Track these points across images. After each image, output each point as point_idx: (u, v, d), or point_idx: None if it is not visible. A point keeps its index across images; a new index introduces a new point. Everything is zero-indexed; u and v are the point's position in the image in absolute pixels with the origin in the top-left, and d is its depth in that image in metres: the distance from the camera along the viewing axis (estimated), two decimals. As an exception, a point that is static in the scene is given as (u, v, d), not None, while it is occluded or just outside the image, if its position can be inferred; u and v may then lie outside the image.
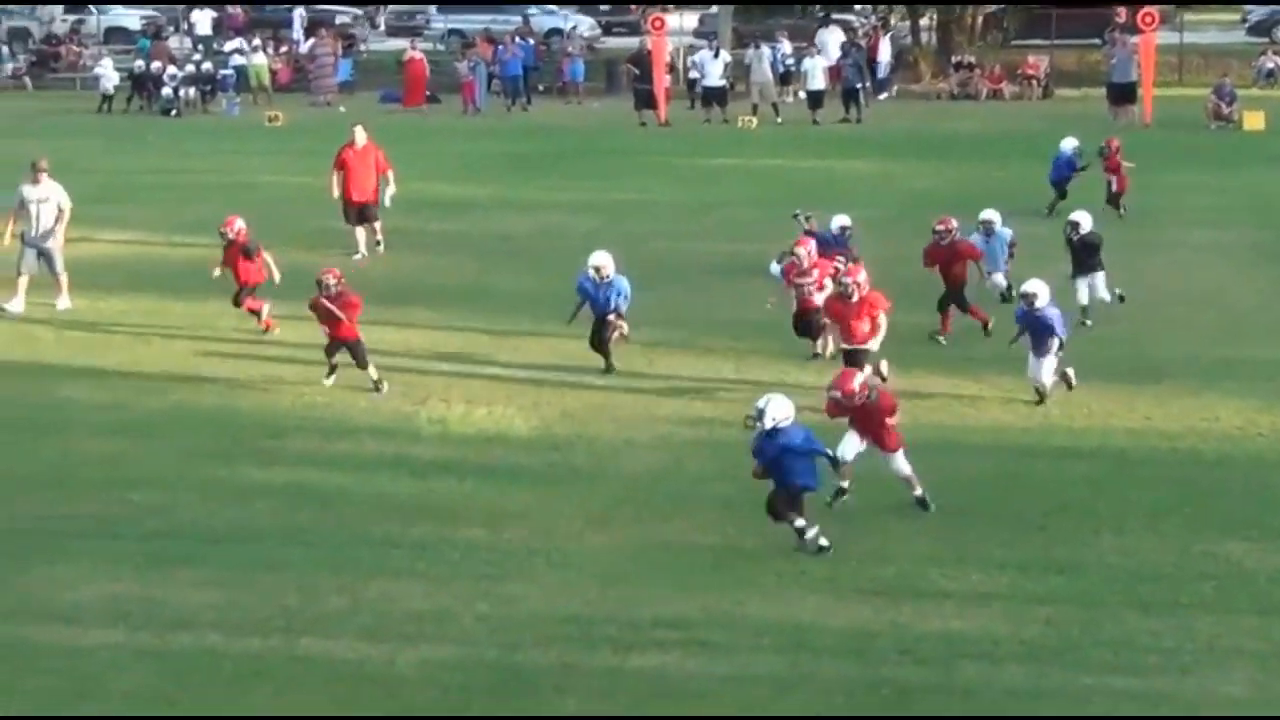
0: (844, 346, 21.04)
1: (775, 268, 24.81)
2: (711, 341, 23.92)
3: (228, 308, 25.12)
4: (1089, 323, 23.80)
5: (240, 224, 24.81)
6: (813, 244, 23.54)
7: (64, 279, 26.49)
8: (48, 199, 26.25)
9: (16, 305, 26.09)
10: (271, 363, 23.21)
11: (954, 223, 23.77)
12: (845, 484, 17.34)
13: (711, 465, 18.72)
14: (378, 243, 30.59)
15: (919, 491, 17.30)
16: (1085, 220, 24.27)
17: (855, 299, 20.69)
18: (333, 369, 21.85)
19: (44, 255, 26.30)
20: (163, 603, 15.31)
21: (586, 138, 48.62)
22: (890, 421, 17.26)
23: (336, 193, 30.36)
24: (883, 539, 16.62)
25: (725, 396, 21.26)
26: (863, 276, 21.03)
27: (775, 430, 16.15)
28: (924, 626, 14.63)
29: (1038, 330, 20.41)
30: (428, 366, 22.99)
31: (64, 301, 26.46)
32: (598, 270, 22.27)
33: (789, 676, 13.81)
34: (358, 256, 29.69)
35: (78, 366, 23.25)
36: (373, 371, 21.64)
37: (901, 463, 17.32)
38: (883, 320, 20.65)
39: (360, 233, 30.24)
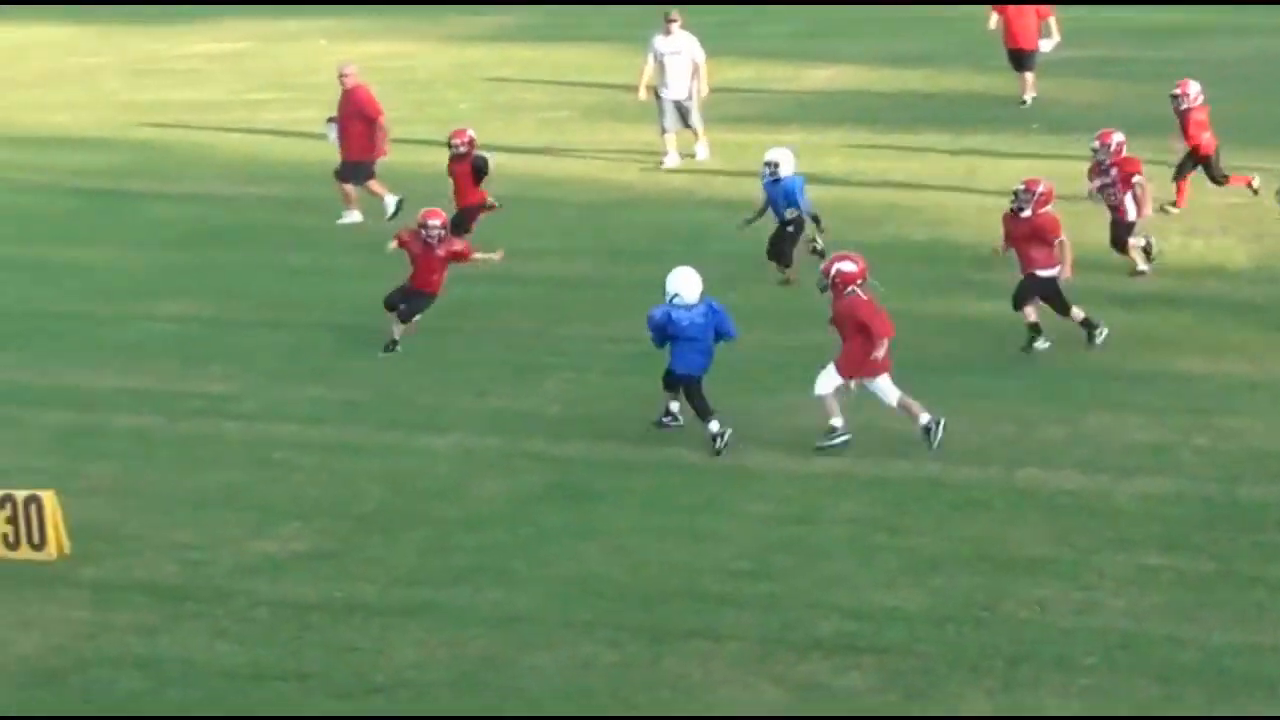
0: None
1: None
2: None
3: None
4: None
5: None
6: None
7: (700, 127, 26.33)
8: (680, 51, 26.31)
9: (671, 160, 26.29)
10: (983, 191, 23.11)
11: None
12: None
13: None
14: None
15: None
16: None
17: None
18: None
19: (679, 109, 26.30)
20: (883, 431, 15.56)
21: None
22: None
23: None
24: None
25: None
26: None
27: None
28: None
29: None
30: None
31: (703, 151, 26.39)
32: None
33: None
34: None
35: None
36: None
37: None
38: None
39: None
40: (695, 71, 26.05)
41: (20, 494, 13.63)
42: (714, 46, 31.72)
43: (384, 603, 12.80)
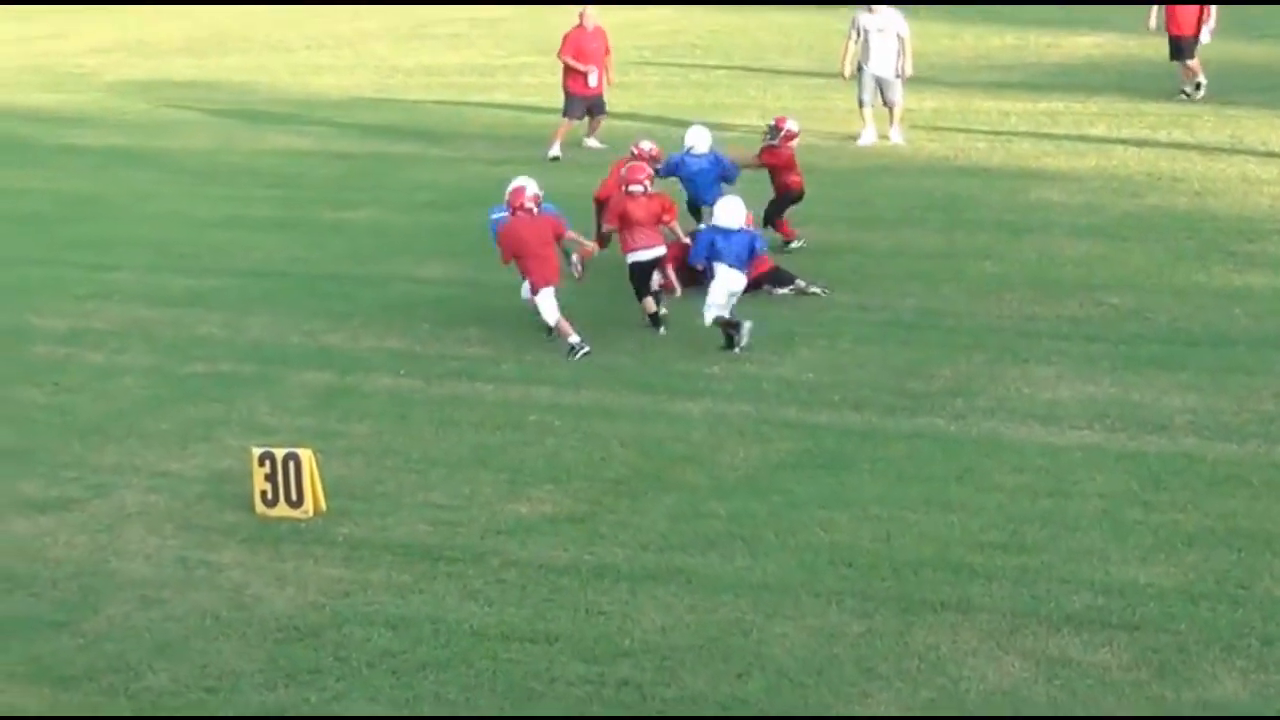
0: None
1: None
2: None
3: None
4: None
5: None
6: None
7: (899, 112, 25.75)
8: (884, 28, 25.75)
9: (868, 137, 25.89)
10: (1246, 161, 22.55)
11: None
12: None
13: None
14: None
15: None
16: None
17: None
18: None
19: (881, 84, 25.72)
20: (1138, 405, 15.28)
21: None
22: None
23: None
24: None
25: None
26: None
27: None
28: None
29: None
30: None
31: (896, 135, 25.72)
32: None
33: None
34: None
35: (1053, 170, 23.39)
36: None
37: None
38: None
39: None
40: (901, 48, 25.45)
41: (279, 452, 13.92)
42: (976, 13, 31.46)
43: (632, 567, 12.84)
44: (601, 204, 19.39)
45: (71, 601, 12.80)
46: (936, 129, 25.98)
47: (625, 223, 17.99)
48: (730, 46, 35.17)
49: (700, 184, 20.13)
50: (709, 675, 11.31)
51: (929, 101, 27.60)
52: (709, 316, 17.28)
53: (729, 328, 17.25)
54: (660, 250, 18.01)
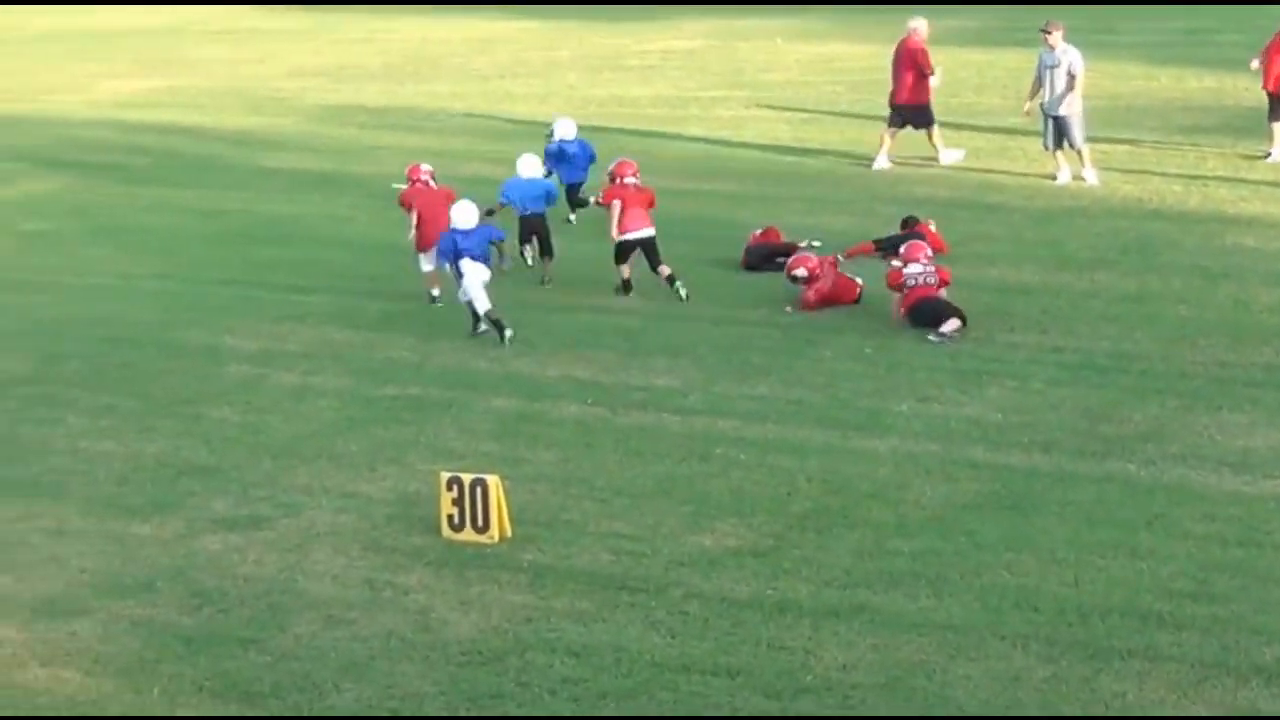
0: None
1: None
2: None
3: None
4: None
5: None
6: None
7: (1085, 151, 25.10)
8: (1058, 64, 25.22)
9: (1063, 176, 25.25)
10: None
11: None
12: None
13: None
14: None
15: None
16: None
17: None
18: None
19: (1057, 123, 25.27)
20: (1334, 455, 14.98)
21: None
22: None
23: None
24: None
25: None
26: None
27: None
28: None
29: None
30: None
31: (1090, 175, 25.07)
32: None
33: None
34: None
35: (1250, 215, 22.99)
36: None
37: None
38: None
39: None
40: (1070, 84, 24.84)
41: (467, 477, 14.05)
42: (1173, 55, 30.96)
43: (815, 603, 12.80)
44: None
45: (260, 619, 13.01)
46: (1131, 171, 25.64)
47: (620, 207, 20.74)
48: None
49: (576, 165, 24.16)
50: (891, 714, 11.23)
51: (1124, 143, 27.25)
52: (480, 309, 19.53)
53: (497, 325, 19.36)
54: (648, 231, 20.85)
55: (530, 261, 22.07)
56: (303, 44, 46.56)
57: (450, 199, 20.64)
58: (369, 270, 22.96)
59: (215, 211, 26.71)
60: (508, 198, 21.92)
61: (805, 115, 31.77)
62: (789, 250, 21.16)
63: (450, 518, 14.09)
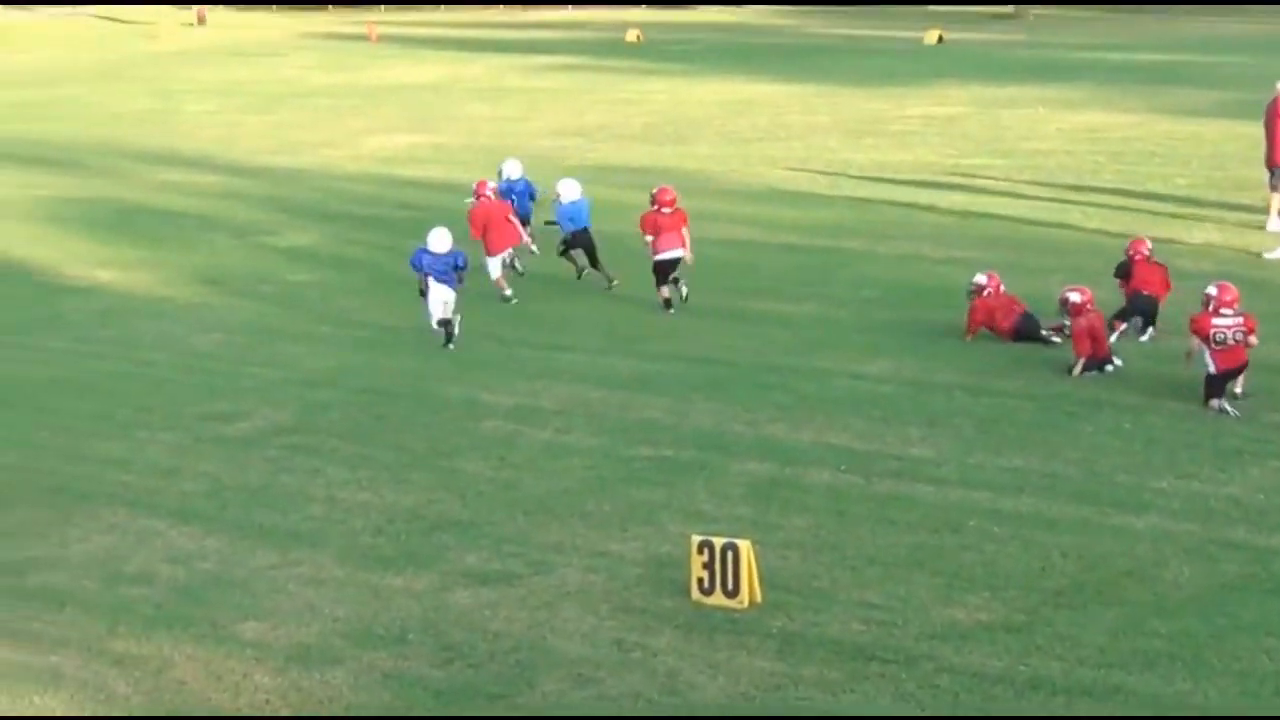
0: None
1: None
2: None
3: None
4: None
5: None
6: None
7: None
8: None
9: (1271, 224, 24.62)
10: None
11: None
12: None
13: None
14: None
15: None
16: None
17: None
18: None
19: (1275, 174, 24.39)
20: None
21: None
22: None
23: None
24: None
25: None
26: None
27: None
28: None
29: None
30: None
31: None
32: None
33: None
34: None
35: None
36: None
37: None
38: None
39: None
40: None
41: (718, 541, 14.02)
42: None
43: (1069, 681, 12.55)
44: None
45: (509, 675, 13.10)
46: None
47: (656, 230, 23.43)
48: (1189, 155, 34.41)
49: (523, 200, 26.90)
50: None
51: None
52: (434, 320, 22.39)
53: (448, 330, 22.41)
54: (680, 252, 23.63)
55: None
56: (565, 103, 47.18)
57: (507, 211, 25.07)
58: (624, 329, 23.11)
59: (475, 267, 27.07)
60: (560, 219, 25.35)
61: (1066, 186, 31.41)
62: (1059, 327, 20.95)
63: (700, 581, 14.07)
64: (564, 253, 25.71)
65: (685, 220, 23.75)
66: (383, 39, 68.48)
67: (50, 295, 26.66)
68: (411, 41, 67.29)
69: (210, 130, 44.07)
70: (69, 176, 37.64)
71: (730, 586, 13.95)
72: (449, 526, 16.17)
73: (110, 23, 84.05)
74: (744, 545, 13.96)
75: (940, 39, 60.37)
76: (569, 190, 25.53)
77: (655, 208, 23.65)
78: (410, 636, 13.82)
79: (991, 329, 21.45)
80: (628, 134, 40.98)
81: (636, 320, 23.50)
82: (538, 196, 27.44)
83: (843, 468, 17.25)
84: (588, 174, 35.06)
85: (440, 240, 22.54)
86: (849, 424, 18.65)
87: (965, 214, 29.60)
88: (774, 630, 13.58)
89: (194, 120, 46.64)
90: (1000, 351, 21.13)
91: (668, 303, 23.89)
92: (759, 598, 13.99)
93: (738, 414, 19.22)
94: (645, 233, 23.65)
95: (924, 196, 31.25)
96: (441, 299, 22.38)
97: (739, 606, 13.90)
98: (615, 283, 25.19)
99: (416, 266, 22.46)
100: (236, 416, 19.88)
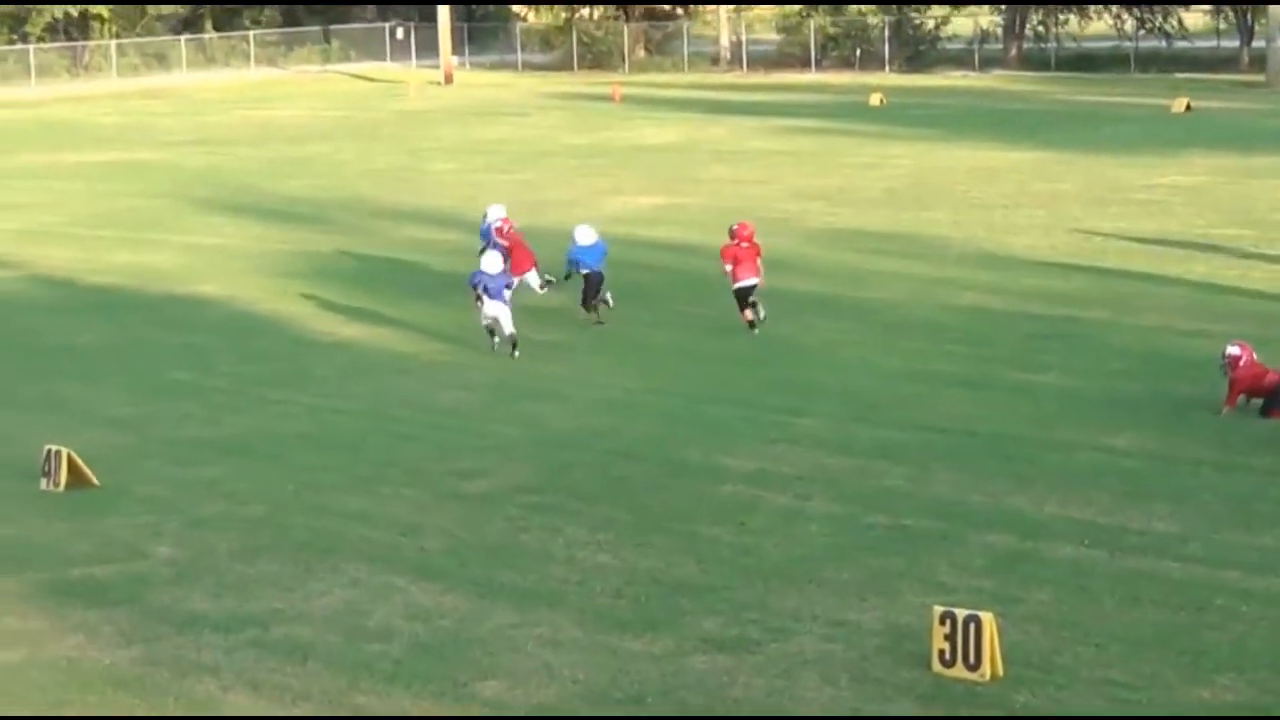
0: None
1: None
2: None
3: None
4: None
5: None
6: None
7: None
8: None
9: None
10: None
11: None
12: None
13: None
14: None
15: None
16: None
17: None
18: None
19: None
20: None
21: None
22: None
23: None
24: None
25: None
26: None
27: None
28: None
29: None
30: None
31: None
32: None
33: None
34: None
35: None
36: None
37: None
38: None
39: None
40: None
41: (960, 613, 13.87)
42: None
43: (1320, 770, 12.23)
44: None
45: (748, 743, 13.06)
46: None
47: (735, 261, 26.28)
48: None
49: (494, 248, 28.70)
50: None
51: None
52: (506, 332, 25.78)
53: (503, 338, 25.91)
54: (755, 280, 26.34)
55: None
56: (806, 166, 47.21)
57: (519, 240, 28.64)
58: (866, 396, 23.03)
59: (715, 330, 27.18)
60: (576, 260, 27.60)
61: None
62: None
63: (941, 653, 13.92)
64: (567, 277, 28.15)
65: (759, 253, 26.50)
66: (626, 100, 69.09)
67: (297, 350, 27.21)
68: (654, 103, 67.80)
69: (455, 188, 44.73)
70: (316, 232, 38.43)
71: (972, 659, 13.78)
72: (687, 591, 16.17)
73: (361, 81, 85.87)
74: (987, 618, 13.79)
75: (1188, 107, 59.43)
76: (584, 235, 27.78)
77: (735, 242, 26.40)
78: (649, 700, 13.84)
79: (1254, 394, 21.11)
80: (869, 198, 40.87)
81: (876, 388, 23.41)
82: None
83: (1086, 542, 16.98)
84: (828, 238, 35.12)
85: (493, 263, 26.33)
86: (1092, 497, 18.37)
87: (1212, 286, 29.08)
88: (1016, 705, 13.40)
89: (439, 178, 47.40)
90: (1251, 426, 20.70)
91: (751, 324, 26.45)
92: (1000, 672, 13.80)
93: (978, 484, 19.04)
94: (725, 263, 26.45)
95: (1170, 266, 30.75)
96: (492, 313, 25.65)
97: (981, 680, 13.73)
98: (601, 324, 27.60)
99: (478, 285, 25.80)
100: (477, 474, 20.11)
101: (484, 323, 26.12)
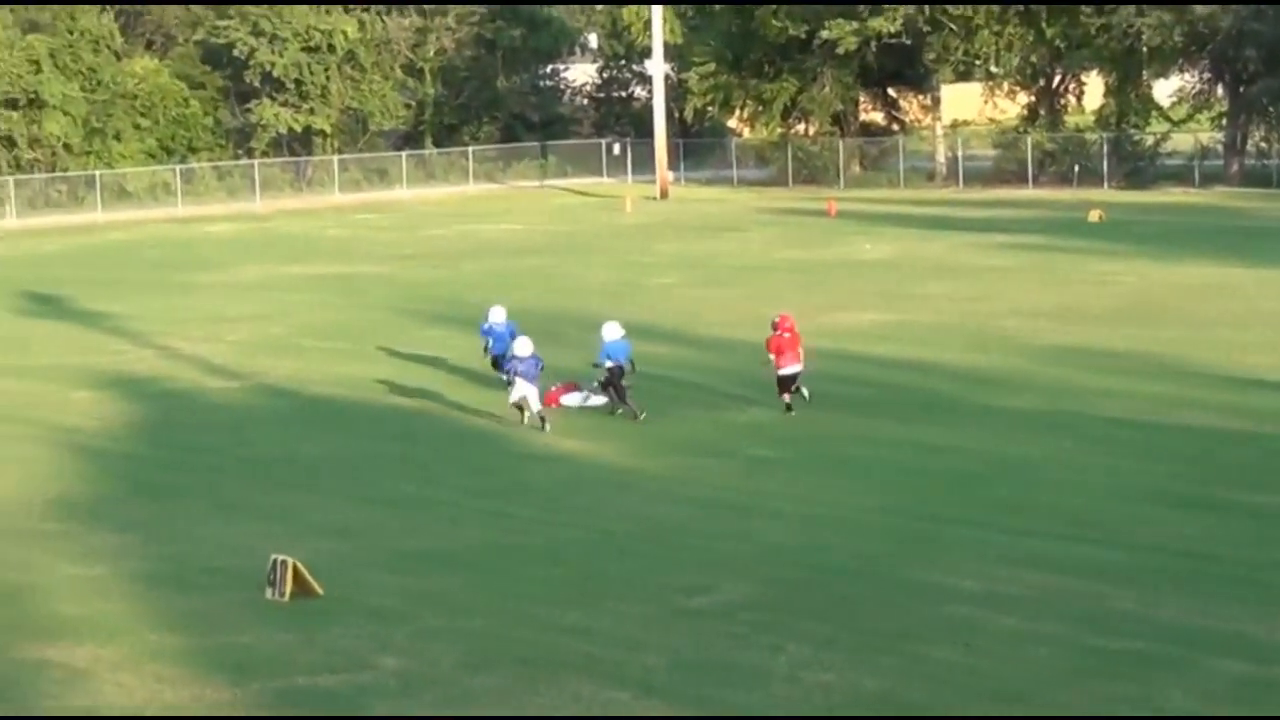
0: None
1: None
2: None
3: None
4: None
5: None
6: None
7: None
8: None
9: None
10: None
11: None
12: None
13: None
14: None
15: None
16: None
17: None
18: None
19: None
20: None
21: None
22: None
23: None
24: None
25: None
26: None
27: None
28: None
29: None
30: None
31: None
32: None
33: None
34: None
35: None
36: None
37: None
38: None
39: None
40: None
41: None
42: None
43: None
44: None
45: None
46: None
47: (779, 351, 29.22)
48: None
49: (500, 339, 32.39)
50: None
51: None
52: (534, 408, 29.03)
53: (530, 415, 29.16)
54: (798, 367, 29.32)
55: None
56: (1026, 283, 46.70)
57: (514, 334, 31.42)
58: (1092, 515, 22.60)
59: (941, 447, 26.87)
60: (606, 355, 29.88)
61: None
62: None
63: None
64: (603, 388, 30.19)
65: (800, 341, 29.53)
66: (842, 215, 69.02)
67: (517, 462, 27.35)
68: (871, 218, 67.62)
69: (673, 303, 44.86)
70: (536, 345, 38.72)
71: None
72: (915, 711, 15.89)
73: (578, 196, 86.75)
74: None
75: None
76: (611, 331, 30.18)
77: (778, 333, 29.50)
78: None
79: None
80: (1093, 315, 40.30)
81: (1103, 507, 22.97)
82: (516, 334, 31.45)
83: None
84: (1054, 355, 34.66)
85: (524, 348, 29.33)
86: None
87: None
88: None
89: (657, 293, 47.55)
90: None
91: (788, 406, 29.40)
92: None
93: (1212, 608, 18.56)
94: (770, 352, 29.45)
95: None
96: (522, 392, 28.81)
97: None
98: (643, 416, 29.50)
99: (507, 370, 29.45)
100: (698, 590, 20.00)
101: (513, 400, 29.13)
